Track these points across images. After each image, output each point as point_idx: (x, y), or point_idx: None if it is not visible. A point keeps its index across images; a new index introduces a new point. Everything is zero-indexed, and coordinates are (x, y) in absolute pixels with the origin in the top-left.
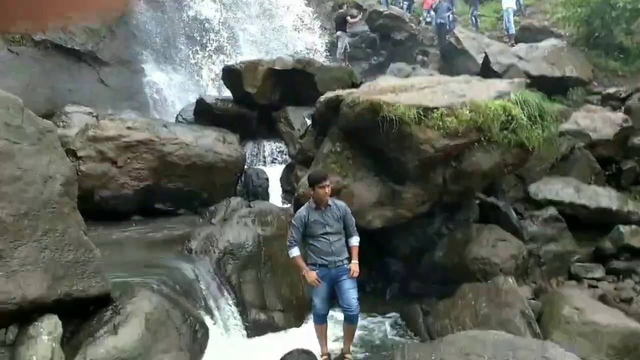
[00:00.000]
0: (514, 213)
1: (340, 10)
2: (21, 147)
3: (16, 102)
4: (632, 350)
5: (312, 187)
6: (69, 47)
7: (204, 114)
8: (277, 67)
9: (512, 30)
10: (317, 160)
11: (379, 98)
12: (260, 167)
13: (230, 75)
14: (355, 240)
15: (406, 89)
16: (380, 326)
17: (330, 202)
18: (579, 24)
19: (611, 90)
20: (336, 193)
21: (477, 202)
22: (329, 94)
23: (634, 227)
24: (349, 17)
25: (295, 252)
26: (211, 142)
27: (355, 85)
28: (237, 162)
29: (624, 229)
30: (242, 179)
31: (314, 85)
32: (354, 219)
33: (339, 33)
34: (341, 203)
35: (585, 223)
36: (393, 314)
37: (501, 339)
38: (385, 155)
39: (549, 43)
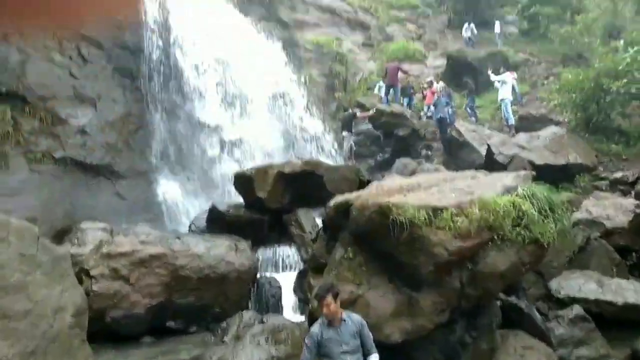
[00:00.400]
0: (537, 314)
1: (347, 112)
2: (34, 277)
3: (31, 231)
4: None
5: (321, 302)
6: (88, 163)
7: (217, 221)
8: (286, 171)
9: (512, 121)
10: (330, 268)
11: (388, 200)
12: (273, 274)
13: (242, 181)
14: (375, 358)
15: (413, 189)
16: None
17: (344, 315)
18: (575, 109)
19: (618, 174)
20: (351, 304)
21: (499, 302)
22: (338, 198)
23: None
24: (357, 111)
25: None
26: (223, 251)
27: (363, 182)
28: (249, 271)
29: None
30: (255, 288)
31: (323, 186)
32: (371, 334)
33: (344, 133)
34: (357, 317)
35: (613, 321)
36: None
37: None
38: (397, 259)
39: (549, 131)
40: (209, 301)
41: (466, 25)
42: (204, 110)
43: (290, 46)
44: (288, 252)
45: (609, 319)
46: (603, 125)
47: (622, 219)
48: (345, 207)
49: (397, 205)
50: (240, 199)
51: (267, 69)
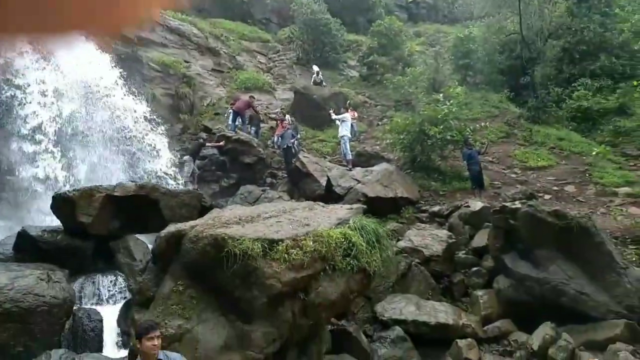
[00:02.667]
0: (364, 337)
1: (196, 141)
2: None
3: None
4: None
5: (140, 340)
6: None
7: (27, 247)
8: (117, 194)
9: (349, 156)
10: (157, 302)
11: (223, 232)
12: (95, 306)
13: (61, 204)
14: None
15: (252, 220)
16: None
17: (161, 355)
18: (403, 149)
19: (436, 208)
20: (178, 340)
21: (330, 327)
22: (170, 228)
23: (469, 340)
24: (208, 142)
25: None
26: (31, 282)
27: (205, 208)
28: (63, 304)
29: (461, 343)
30: (72, 322)
31: (160, 211)
32: None
33: (185, 157)
34: (175, 355)
35: (428, 339)
36: None
37: None
38: (230, 292)
39: (381, 167)
40: (8, 340)
41: (315, 68)
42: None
43: (133, 62)
44: (114, 282)
45: (424, 338)
46: (425, 164)
47: (437, 248)
48: (178, 238)
49: (233, 237)
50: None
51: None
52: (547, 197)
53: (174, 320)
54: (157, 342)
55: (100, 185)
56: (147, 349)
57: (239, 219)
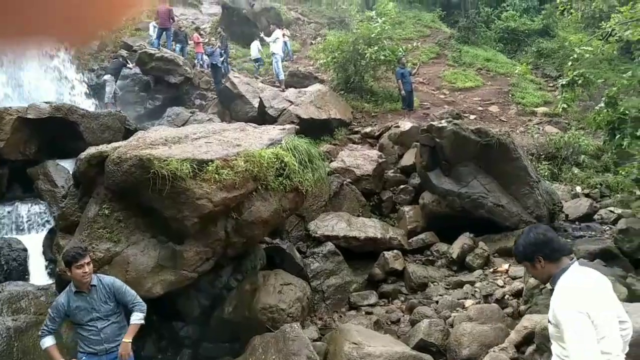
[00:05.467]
0: (297, 253)
1: (116, 60)
2: None
3: None
4: None
5: (69, 269)
6: None
7: None
8: (30, 116)
9: (282, 76)
10: (82, 227)
11: (149, 153)
12: (16, 235)
13: None
14: (135, 317)
15: (180, 141)
16: None
17: (95, 280)
18: (337, 70)
19: (368, 129)
20: (108, 263)
21: (264, 246)
22: (91, 150)
23: (395, 251)
24: (129, 63)
25: (47, 342)
26: None
27: (130, 131)
28: None
29: (388, 254)
30: None
31: (80, 135)
32: (132, 291)
33: (106, 77)
34: (108, 279)
35: (358, 253)
36: None
37: None
38: (160, 214)
39: (315, 88)
40: None
41: None
42: None
43: None
44: (35, 210)
45: (354, 252)
46: (359, 85)
47: (368, 168)
48: (100, 160)
49: (159, 158)
50: None
51: None
52: (472, 117)
53: (102, 244)
54: (87, 269)
55: (10, 107)
56: (77, 277)
57: (166, 140)
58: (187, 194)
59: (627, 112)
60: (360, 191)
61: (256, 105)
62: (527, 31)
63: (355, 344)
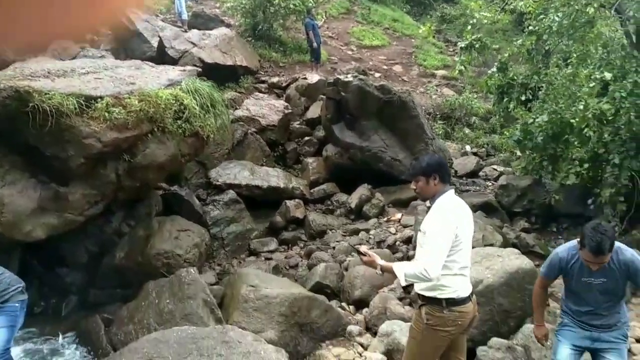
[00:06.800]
0: (197, 200)
1: None
2: None
3: None
4: (297, 312)
5: None
6: None
7: None
8: None
9: (185, 16)
10: None
11: (28, 85)
12: None
13: None
14: None
15: (65, 74)
16: (58, 349)
17: None
18: (245, 15)
19: (275, 79)
20: None
21: (161, 193)
22: None
23: (297, 200)
24: None
25: None
26: None
27: (6, 63)
28: None
29: (290, 203)
30: None
31: None
32: None
33: None
34: None
35: (260, 202)
36: (72, 332)
37: (184, 335)
38: (42, 152)
39: (220, 32)
40: None
41: None
42: None
43: None
44: None
45: (257, 200)
46: (267, 33)
47: (274, 118)
48: None
49: (40, 91)
50: None
51: None
52: (377, 75)
53: None
54: None
55: None
56: None
57: (48, 73)
58: (72, 132)
59: (515, 78)
60: (265, 141)
61: (155, 44)
62: None
63: (253, 286)
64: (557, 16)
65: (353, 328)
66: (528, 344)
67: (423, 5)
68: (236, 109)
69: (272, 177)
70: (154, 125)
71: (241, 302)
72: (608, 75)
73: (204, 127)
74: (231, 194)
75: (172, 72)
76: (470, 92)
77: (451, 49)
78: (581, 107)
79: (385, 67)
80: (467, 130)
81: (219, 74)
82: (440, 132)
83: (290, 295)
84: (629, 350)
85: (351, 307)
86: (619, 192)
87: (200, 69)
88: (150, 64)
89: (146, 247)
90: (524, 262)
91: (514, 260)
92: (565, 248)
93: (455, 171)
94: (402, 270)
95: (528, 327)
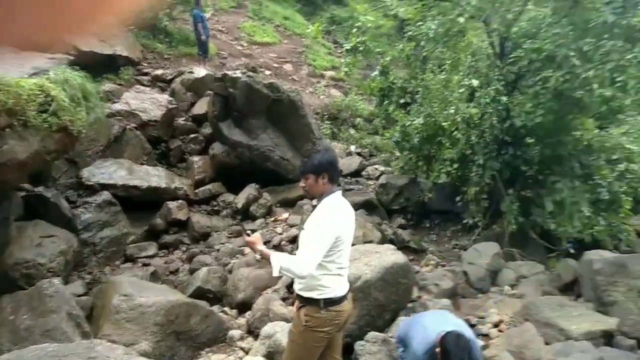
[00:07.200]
0: (65, 202)
1: None
2: None
3: None
4: (174, 320)
5: None
6: None
7: None
8: None
9: None
10: None
11: None
12: None
13: None
14: None
15: None
16: None
17: None
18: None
19: (159, 72)
20: None
21: (22, 194)
22: None
23: (180, 201)
24: None
25: None
26: None
27: None
28: None
29: (171, 204)
30: None
31: None
32: None
33: None
34: None
35: (139, 203)
36: None
37: (43, 353)
38: None
39: None
40: None
41: None
42: None
43: None
44: None
45: (135, 202)
46: (151, 22)
47: (157, 113)
48: None
49: None
50: None
51: None
52: (267, 72)
53: None
54: None
55: None
56: None
57: None
58: None
59: (395, 81)
60: (146, 138)
61: None
62: None
63: (126, 295)
64: (433, 24)
65: (234, 332)
66: None
67: (314, 5)
68: (114, 102)
69: (153, 176)
70: (14, 118)
71: (112, 313)
72: (475, 82)
73: (74, 121)
74: (105, 195)
75: (38, 60)
76: (355, 93)
77: (340, 51)
78: (452, 111)
79: (275, 65)
80: (352, 131)
81: (96, 64)
82: (328, 132)
83: (167, 303)
84: (486, 335)
85: (234, 311)
86: (482, 190)
87: (73, 57)
88: (14, 49)
89: (3, 256)
90: (399, 257)
91: (390, 256)
92: (423, 348)
93: (341, 171)
94: (278, 261)
95: (401, 319)
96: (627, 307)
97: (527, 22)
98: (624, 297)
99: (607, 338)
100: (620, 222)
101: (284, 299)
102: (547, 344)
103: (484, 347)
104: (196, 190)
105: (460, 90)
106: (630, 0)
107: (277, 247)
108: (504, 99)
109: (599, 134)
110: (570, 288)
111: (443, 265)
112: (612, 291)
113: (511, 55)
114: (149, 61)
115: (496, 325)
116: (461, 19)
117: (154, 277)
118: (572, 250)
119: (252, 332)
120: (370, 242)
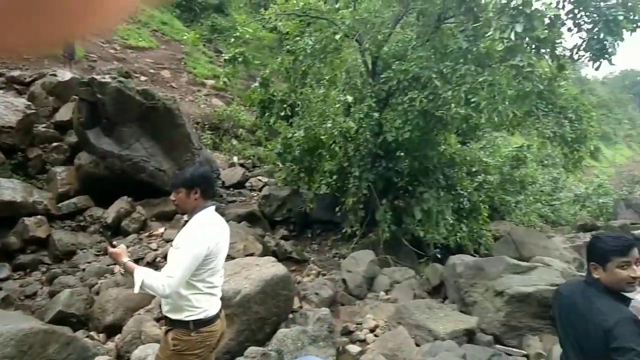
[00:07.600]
0: None
1: None
2: None
3: None
4: (28, 350)
5: None
6: None
7: None
8: None
9: None
10: None
11: None
12: None
13: None
14: None
15: None
16: None
17: None
18: None
19: (15, 73)
20: None
21: None
22: None
23: (39, 217)
24: None
25: None
26: None
27: None
28: None
29: (29, 220)
30: None
31: None
32: None
33: None
34: None
35: None
36: None
37: None
38: None
39: None
40: None
41: None
42: None
43: None
44: None
45: None
46: None
47: (12, 118)
48: None
49: None
50: None
51: None
52: (143, 78)
53: None
54: None
55: None
56: None
57: None
58: None
59: (275, 94)
60: None
61: None
62: (203, 3)
63: None
64: (311, 40)
65: (102, 359)
66: (281, 348)
67: (193, 13)
68: None
69: (7, 189)
70: None
71: None
72: (350, 98)
73: None
74: None
75: None
76: (238, 104)
77: (221, 60)
78: (329, 124)
79: (152, 71)
80: (234, 142)
81: None
82: (209, 143)
83: (18, 332)
84: (363, 340)
85: (101, 335)
86: (359, 201)
87: None
88: None
89: None
90: (279, 269)
91: (270, 268)
92: None
93: (223, 182)
94: (141, 276)
95: (282, 332)
96: (485, 306)
97: (395, 44)
98: (482, 297)
99: (469, 336)
100: (480, 228)
101: (157, 320)
102: (417, 345)
103: (361, 353)
104: (59, 204)
105: (337, 105)
106: (479, 29)
107: (151, 265)
108: (376, 115)
109: (460, 148)
110: (438, 291)
111: (324, 274)
112: (472, 292)
113: (382, 75)
114: (3, 60)
115: (372, 330)
116: (337, 37)
117: (6, 302)
118: (439, 256)
119: (122, 356)
120: (252, 254)
